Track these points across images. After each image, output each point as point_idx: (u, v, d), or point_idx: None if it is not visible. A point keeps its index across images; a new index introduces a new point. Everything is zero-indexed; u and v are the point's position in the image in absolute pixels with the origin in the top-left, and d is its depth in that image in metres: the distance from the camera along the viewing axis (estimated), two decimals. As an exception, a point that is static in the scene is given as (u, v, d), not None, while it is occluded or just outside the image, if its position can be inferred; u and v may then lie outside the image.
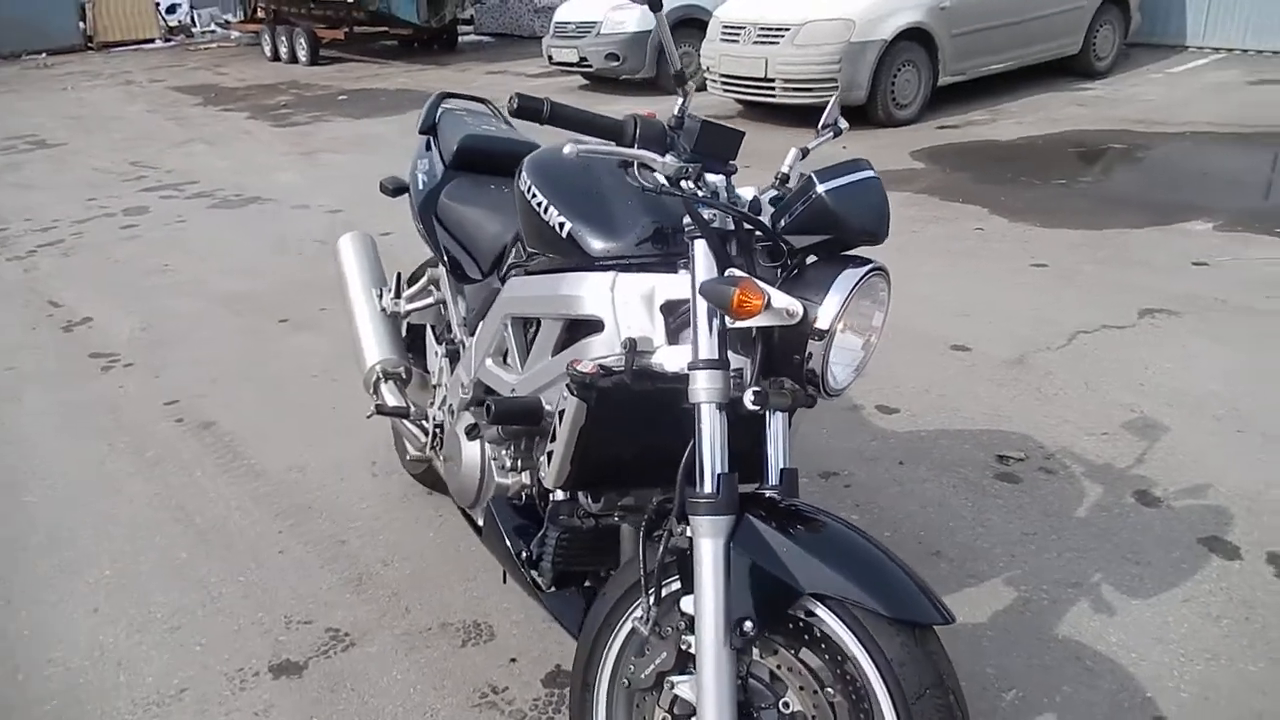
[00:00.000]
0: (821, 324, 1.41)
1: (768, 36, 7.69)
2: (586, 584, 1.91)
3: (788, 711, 1.44)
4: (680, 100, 1.56)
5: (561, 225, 1.70)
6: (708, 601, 1.41)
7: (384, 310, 2.62)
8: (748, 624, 1.41)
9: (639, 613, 1.58)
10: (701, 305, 1.46)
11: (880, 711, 1.38)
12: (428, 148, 2.60)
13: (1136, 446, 2.98)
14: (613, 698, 1.64)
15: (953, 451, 2.99)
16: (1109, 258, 4.61)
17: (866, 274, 1.45)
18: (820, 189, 1.45)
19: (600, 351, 1.61)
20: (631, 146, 1.52)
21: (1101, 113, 7.67)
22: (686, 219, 1.50)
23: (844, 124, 1.68)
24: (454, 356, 2.36)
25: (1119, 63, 9.23)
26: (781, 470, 1.49)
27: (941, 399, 3.32)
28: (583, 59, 10.04)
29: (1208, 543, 2.53)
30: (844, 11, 7.43)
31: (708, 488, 1.43)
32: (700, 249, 1.48)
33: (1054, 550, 2.50)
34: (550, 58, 10.52)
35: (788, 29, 7.56)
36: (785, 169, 1.62)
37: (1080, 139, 6.95)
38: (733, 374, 1.47)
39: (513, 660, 2.19)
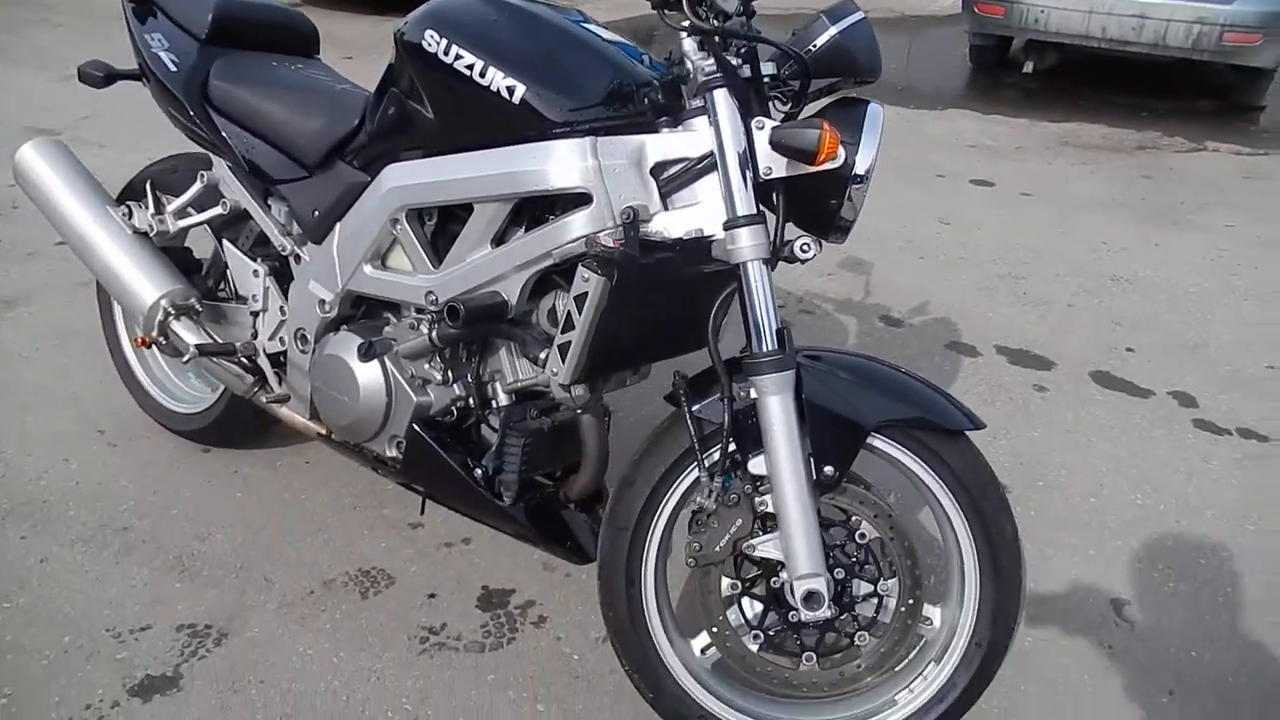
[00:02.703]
0: (860, 167, 1.42)
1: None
2: (544, 493, 1.76)
3: (864, 542, 1.49)
4: None
5: (511, 89, 1.47)
6: (783, 456, 1.39)
7: (136, 232, 2.07)
8: (828, 469, 1.43)
9: (690, 490, 1.51)
10: (733, 159, 1.37)
11: (950, 519, 1.49)
12: (147, 17, 2.06)
13: (859, 281, 3.41)
14: (660, 586, 1.56)
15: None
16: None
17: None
18: (835, 30, 1.43)
19: (588, 228, 1.45)
20: None
21: None
22: (694, 66, 1.40)
23: None
24: (279, 274, 1.95)
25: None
26: (778, 331, 1.42)
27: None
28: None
29: (953, 347, 3.02)
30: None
31: (768, 345, 1.40)
32: (722, 98, 1.39)
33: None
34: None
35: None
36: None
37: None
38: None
39: (431, 596, 1.96)
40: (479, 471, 1.68)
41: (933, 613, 1.54)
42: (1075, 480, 2.39)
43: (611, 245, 1.40)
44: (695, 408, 1.47)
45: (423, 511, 1.89)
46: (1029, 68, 6.13)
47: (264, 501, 2.22)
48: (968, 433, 1.49)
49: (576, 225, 1.44)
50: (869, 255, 3.55)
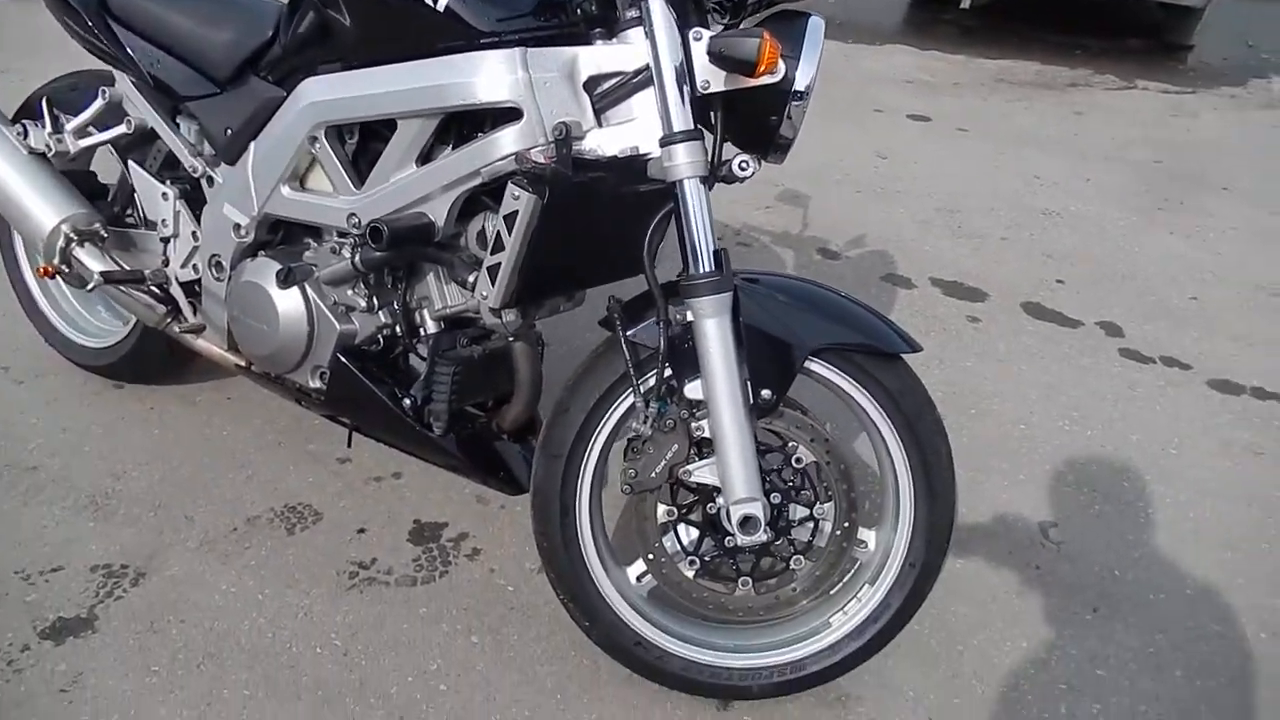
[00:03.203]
0: (800, 83, 1.37)
1: None
2: (476, 424, 1.71)
3: (800, 466, 1.48)
4: None
5: None
6: (721, 379, 1.36)
7: (33, 152, 1.93)
8: (765, 392, 1.40)
9: (626, 416, 1.48)
10: (669, 73, 1.31)
11: (885, 442, 1.49)
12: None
13: (796, 214, 3.38)
14: (595, 514, 1.53)
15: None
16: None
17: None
18: None
19: (518, 144, 1.38)
20: None
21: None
22: None
23: None
24: (190, 198, 1.84)
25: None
26: (715, 252, 1.36)
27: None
28: None
29: (889, 279, 3.02)
30: None
31: (705, 266, 1.35)
32: (658, 7, 1.32)
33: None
34: None
35: None
36: None
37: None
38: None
39: (361, 531, 1.91)
40: (407, 402, 1.62)
41: (868, 536, 1.54)
42: (1006, 408, 2.42)
43: (543, 162, 1.33)
44: (630, 332, 1.43)
45: (349, 444, 1.82)
46: (966, 3, 6.12)
47: (182, 438, 2.13)
48: (904, 356, 1.47)
49: (506, 142, 1.37)
50: (806, 188, 3.52)
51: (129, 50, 1.78)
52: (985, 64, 5.68)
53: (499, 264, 1.41)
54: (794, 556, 1.49)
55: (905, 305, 2.86)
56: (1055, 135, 4.55)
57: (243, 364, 1.84)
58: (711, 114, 1.40)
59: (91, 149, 1.94)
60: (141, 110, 1.82)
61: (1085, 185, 3.95)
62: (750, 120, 1.40)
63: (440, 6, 1.37)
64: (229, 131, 1.70)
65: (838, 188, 3.63)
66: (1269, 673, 1.69)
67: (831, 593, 1.55)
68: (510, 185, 1.35)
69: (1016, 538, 1.99)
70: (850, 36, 5.91)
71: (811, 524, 1.49)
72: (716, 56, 1.30)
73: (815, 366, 1.44)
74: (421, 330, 1.66)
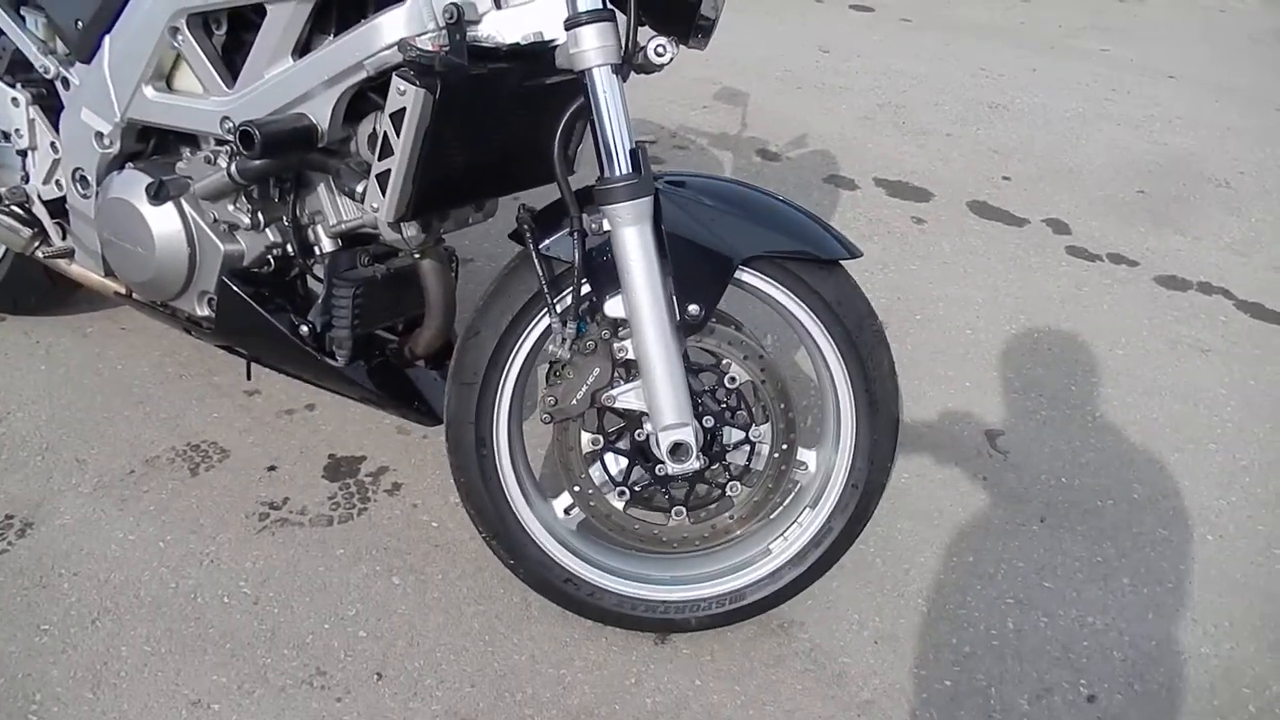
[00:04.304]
0: None
1: None
2: (387, 350, 1.57)
3: (734, 386, 1.37)
4: None
5: None
6: (643, 294, 1.24)
7: None
8: (693, 308, 1.28)
9: (543, 338, 1.35)
10: None
11: (824, 356, 1.38)
12: None
13: (735, 114, 3.22)
14: (515, 445, 1.42)
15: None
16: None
17: None
18: None
19: (403, 30, 1.21)
20: None
21: None
22: None
23: None
24: (45, 103, 1.63)
25: None
26: (631, 151, 1.22)
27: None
28: None
29: (831, 180, 2.89)
30: None
31: (622, 168, 1.21)
32: None
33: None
34: None
35: None
36: None
37: None
38: None
39: (271, 469, 1.77)
40: (305, 329, 1.48)
41: (808, 457, 1.45)
42: (952, 311, 2.33)
43: (432, 50, 1.17)
44: (543, 245, 1.30)
45: (249, 377, 1.68)
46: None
47: (72, 374, 1.96)
48: (843, 263, 1.36)
49: (389, 28, 1.21)
50: (745, 86, 3.35)
51: None
52: (930, -50, 5.45)
53: (388, 170, 1.25)
54: (730, 482, 1.39)
55: (848, 207, 2.74)
56: (1001, 24, 4.40)
57: (122, 291, 1.67)
58: None
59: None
60: (-26, 7, 1.60)
61: (1031, 75, 3.83)
62: (661, 3, 1.24)
63: None
64: (79, 23, 1.50)
65: (779, 84, 3.45)
66: (1215, 575, 1.66)
67: (771, 518, 1.46)
68: (395, 78, 1.19)
69: (963, 448, 1.92)
70: (791, -77, 5.62)
71: (748, 447, 1.39)
72: None
73: (746, 276, 1.32)
74: (316, 249, 1.51)
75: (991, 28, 4.33)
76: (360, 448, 1.82)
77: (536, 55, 1.24)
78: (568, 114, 1.30)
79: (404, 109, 1.20)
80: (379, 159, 1.26)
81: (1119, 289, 2.49)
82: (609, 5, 1.20)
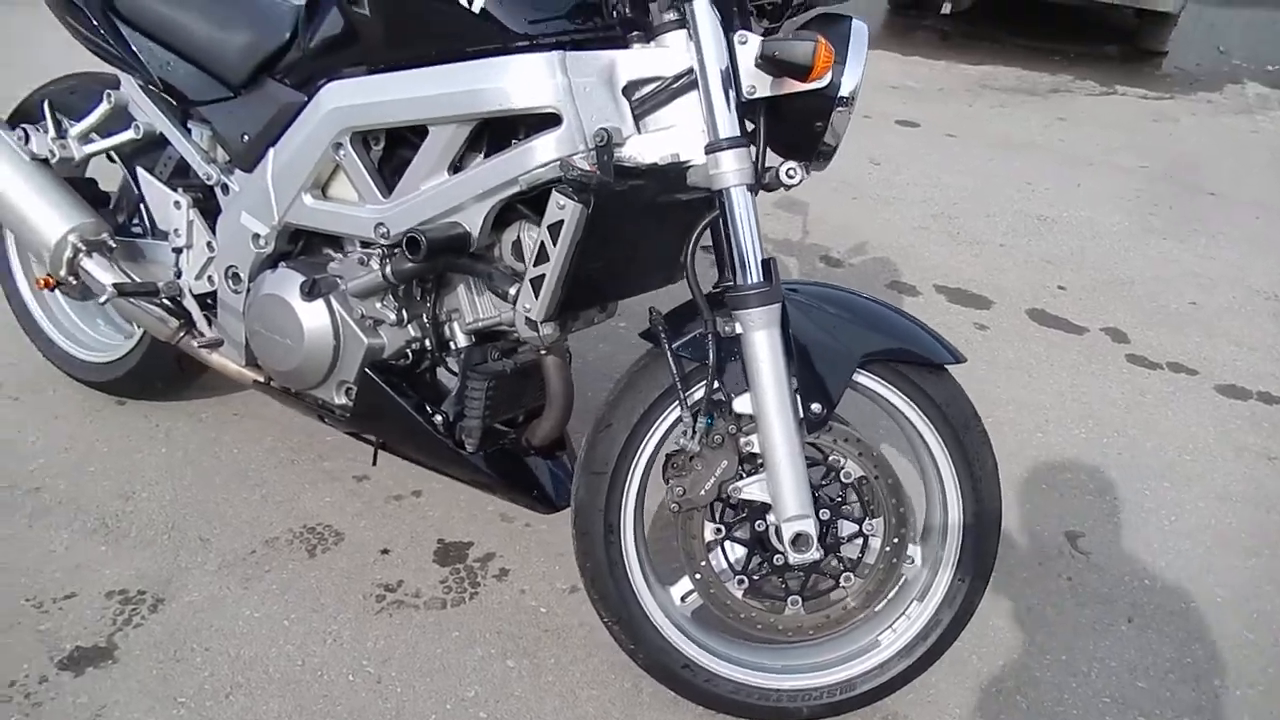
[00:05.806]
0: (846, 88, 1.35)
1: None
2: (505, 440, 1.67)
3: (849, 480, 1.46)
4: None
5: None
6: (771, 393, 1.34)
7: (35, 158, 1.86)
8: (815, 407, 1.38)
9: (671, 431, 1.45)
10: (715, 78, 1.29)
11: (933, 454, 1.47)
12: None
13: (796, 221, 3.37)
14: (639, 533, 1.50)
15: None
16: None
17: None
18: None
19: (558, 151, 1.34)
20: None
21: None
22: None
23: None
24: (203, 206, 1.78)
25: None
26: (764, 261, 1.34)
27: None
28: None
29: (894, 286, 3.02)
30: None
31: (754, 276, 1.33)
32: (703, 9, 1.29)
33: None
34: None
35: None
36: None
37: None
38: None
39: (384, 552, 1.85)
40: (439, 418, 1.58)
41: (914, 551, 1.52)
42: (1021, 416, 2.41)
43: (588, 170, 1.30)
44: (676, 344, 1.40)
45: (374, 463, 1.78)
46: (947, 9, 6.16)
47: (191, 456, 2.06)
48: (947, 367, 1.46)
49: (546, 148, 1.34)
50: (804, 195, 3.50)
51: (137, 52, 1.73)
52: (967, 70, 5.72)
53: (543, 275, 1.37)
54: (843, 574, 1.46)
55: (913, 313, 2.84)
56: (1042, 141, 4.59)
57: (261, 379, 1.78)
58: (753, 120, 1.37)
59: (94, 154, 1.87)
60: (150, 115, 1.77)
61: (1077, 190, 3.98)
62: (794, 126, 1.38)
63: (475, 7, 1.33)
64: (245, 137, 1.65)
65: (835, 194, 3.62)
66: (1305, 680, 1.70)
67: (878, 609, 1.52)
68: (555, 194, 1.32)
69: (1045, 549, 1.98)
70: (834, 42, 5.91)
71: (861, 540, 1.46)
72: (768, 60, 1.27)
73: (861, 378, 1.42)
74: (451, 344, 1.62)
75: (1032, 144, 4.52)
76: (467, 533, 1.90)
77: (671, 173, 1.37)
78: (700, 226, 1.41)
79: (561, 221, 1.32)
80: (534, 264, 1.38)
81: (1181, 396, 2.56)
82: (745, 133, 1.33)
